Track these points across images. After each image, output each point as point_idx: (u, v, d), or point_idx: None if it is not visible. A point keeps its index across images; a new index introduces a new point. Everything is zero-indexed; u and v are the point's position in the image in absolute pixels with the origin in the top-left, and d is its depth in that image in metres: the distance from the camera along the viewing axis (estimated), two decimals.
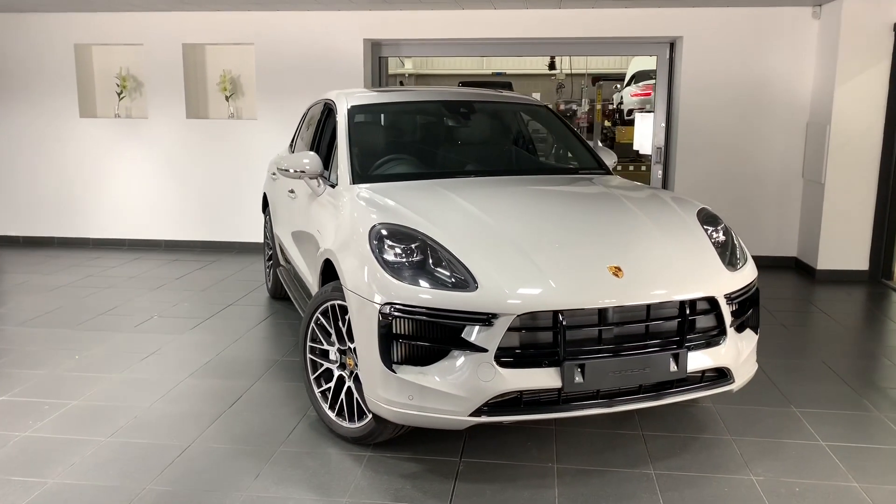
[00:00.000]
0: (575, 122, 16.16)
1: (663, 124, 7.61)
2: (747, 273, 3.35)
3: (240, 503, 2.94)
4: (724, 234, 3.49)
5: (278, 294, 5.87)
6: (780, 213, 7.31)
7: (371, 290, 3.01)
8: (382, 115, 4.84)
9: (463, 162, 4.56)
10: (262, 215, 6.24)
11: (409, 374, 2.94)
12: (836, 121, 6.59)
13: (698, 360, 3.06)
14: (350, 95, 4.57)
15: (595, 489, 3.05)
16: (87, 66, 8.16)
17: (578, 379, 2.86)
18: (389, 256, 3.07)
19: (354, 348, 3.18)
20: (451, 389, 2.87)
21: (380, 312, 2.94)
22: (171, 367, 4.44)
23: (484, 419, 2.90)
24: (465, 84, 17.03)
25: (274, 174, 5.58)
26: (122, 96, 8.07)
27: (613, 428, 3.59)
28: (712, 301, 3.10)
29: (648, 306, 2.98)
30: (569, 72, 19.18)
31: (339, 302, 3.31)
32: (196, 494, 3.00)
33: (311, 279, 4.10)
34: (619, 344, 2.96)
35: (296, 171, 4.09)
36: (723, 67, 7.14)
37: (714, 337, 3.14)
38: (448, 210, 3.47)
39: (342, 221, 3.58)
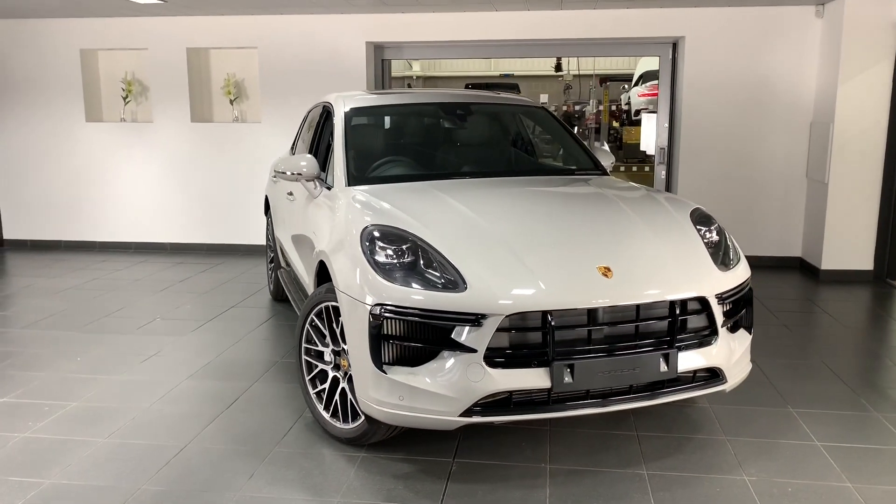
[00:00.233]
0: (584, 123, 16.16)
1: (666, 125, 7.60)
2: (740, 273, 3.34)
3: (233, 503, 2.96)
4: (717, 235, 3.48)
5: (280, 296, 5.91)
6: (784, 214, 7.28)
7: (362, 291, 3.03)
8: (379, 118, 4.87)
9: (459, 163, 4.58)
10: (265, 218, 6.28)
11: (399, 374, 2.95)
12: (839, 120, 6.56)
13: (689, 361, 3.06)
14: (347, 98, 4.60)
15: (586, 489, 3.05)
16: (93, 71, 8.24)
17: (568, 379, 2.87)
18: (381, 258, 3.09)
19: (347, 349, 3.20)
20: (441, 390, 2.88)
21: (370, 313, 2.96)
22: (171, 369, 4.48)
23: (474, 419, 2.91)
24: (474, 86, 17.06)
25: (274, 177, 5.61)
26: (127, 100, 8.14)
27: (609, 428, 3.59)
28: (703, 301, 3.10)
29: (638, 306, 2.98)
30: (577, 73, 19.17)
31: (333, 303, 3.33)
32: (190, 494, 3.03)
33: (308, 280, 4.13)
34: (609, 344, 2.97)
35: (292, 174, 4.12)
36: (726, 67, 7.12)
37: (706, 337, 3.14)
38: (441, 212, 3.48)
39: (336, 223, 3.60)
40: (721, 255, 3.36)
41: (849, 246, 6.73)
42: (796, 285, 6.63)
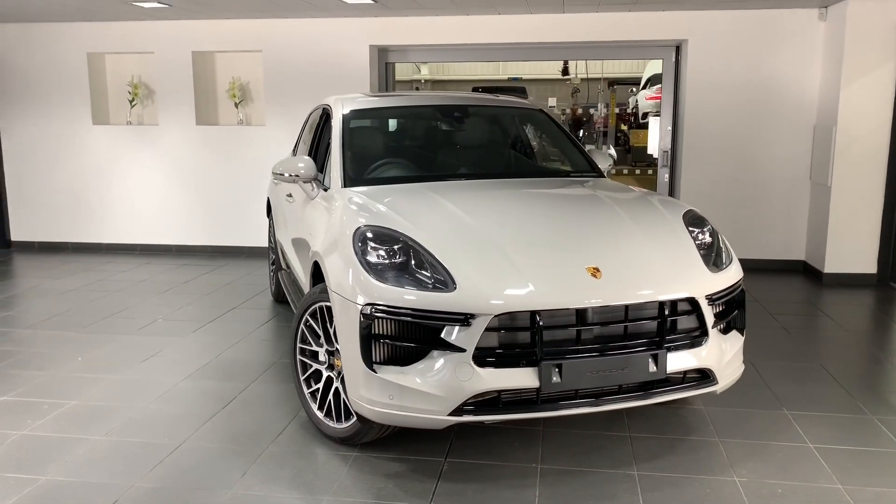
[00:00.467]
0: (592, 126, 16.16)
1: (669, 128, 7.59)
2: (731, 274, 3.34)
3: (224, 501, 2.99)
4: (710, 236, 3.49)
5: (281, 298, 5.94)
6: (787, 217, 7.25)
7: (354, 291, 3.06)
8: (377, 120, 4.90)
9: (455, 165, 4.60)
10: (268, 220, 6.32)
11: (389, 374, 2.98)
12: (842, 123, 6.54)
13: (679, 361, 3.07)
14: (346, 100, 4.64)
15: (576, 489, 3.06)
16: (100, 75, 8.33)
17: (556, 379, 2.88)
18: (372, 258, 3.12)
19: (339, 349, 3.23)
20: (431, 389, 2.90)
21: (360, 313, 2.98)
22: (170, 369, 4.52)
23: (463, 418, 2.93)
24: (483, 89, 17.08)
25: (274, 179, 5.64)
26: (133, 104, 8.22)
27: (601, 429, 3.60)
28: (693, 302, 3.10)
29: (627, 307, 3.00)
30: (584, 76, 19.16)
31: (327, 304, 3.36)
32: (182, 492, 3.06)
33: (305, 281, 4.16)
34: (598, 344, 2.98)
35: (290, 175, 4.15)
36: (729, 70, 7.11)
37: (696, 338, 3.14)
38: (434, 213, 3.50)
39: (331, 224, 3.63)
40: (713, 256, 3.37)
41: (852, 249, 6.70)
42: (799, 288, 6.61)
